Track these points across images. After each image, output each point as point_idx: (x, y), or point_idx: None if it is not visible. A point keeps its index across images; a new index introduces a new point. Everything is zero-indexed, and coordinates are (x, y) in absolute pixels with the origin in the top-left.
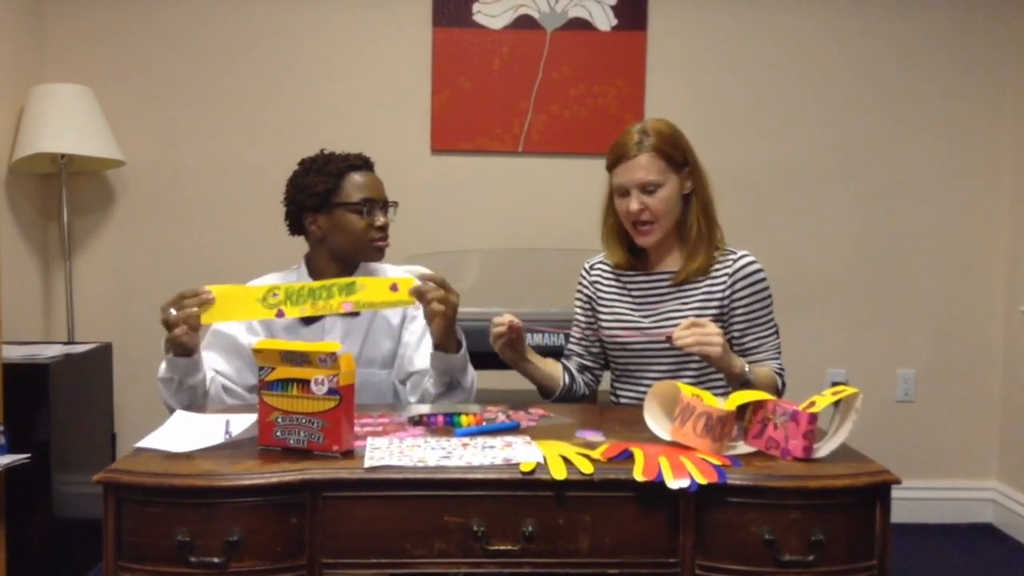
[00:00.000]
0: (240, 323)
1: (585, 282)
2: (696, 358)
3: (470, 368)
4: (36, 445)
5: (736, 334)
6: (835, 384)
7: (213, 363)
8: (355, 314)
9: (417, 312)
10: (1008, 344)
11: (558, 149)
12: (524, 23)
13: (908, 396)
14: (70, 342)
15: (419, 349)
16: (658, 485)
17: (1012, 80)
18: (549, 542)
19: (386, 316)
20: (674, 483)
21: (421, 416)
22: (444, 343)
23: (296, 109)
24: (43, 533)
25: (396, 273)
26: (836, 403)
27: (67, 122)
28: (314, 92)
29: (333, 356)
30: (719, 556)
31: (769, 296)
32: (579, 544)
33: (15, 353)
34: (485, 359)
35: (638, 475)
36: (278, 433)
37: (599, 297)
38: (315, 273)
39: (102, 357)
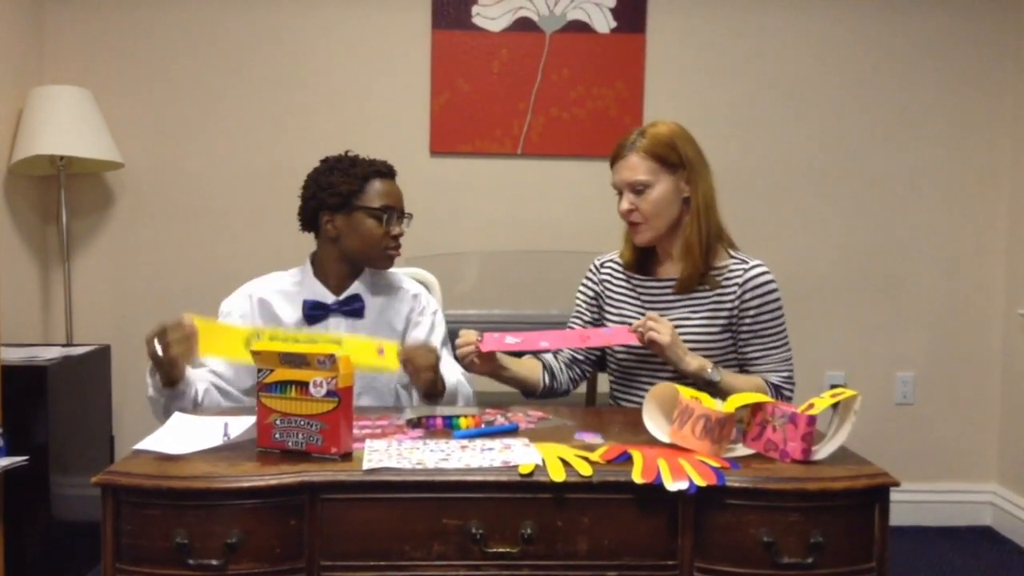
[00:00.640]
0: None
1: (593, 279)
2: None
3: (460, 390)
4: (34, 447)
5: (741, 344)
6: (834, 386)
7: (212, 364)
8: (359, 317)
9: (421, 318)
10: (1007, 347)
11: (557, 151)
12: (523, 25)
13: (907, 399)
14: (68, 344)
15: None
16: (657, 487)
17: (1012, 82)
18: (548, 544)
19: (389, 320)
20: (673, 485)
21: (420, 418)
22: (430, 391)
23: (295, 111)
24: (41, 535)
25: (403, 279)
26: (835, 405)
27: (66, 124)
28: (313, 94)
29: (332, 358)
30: (718, 558)
31: (779, 308)
32: (578, 546)
33: (13, 355)
34: None
35: (637, 477)
36: (277, 435)
37: (607, 296)
38: (321, 273)
39: (100, 359)
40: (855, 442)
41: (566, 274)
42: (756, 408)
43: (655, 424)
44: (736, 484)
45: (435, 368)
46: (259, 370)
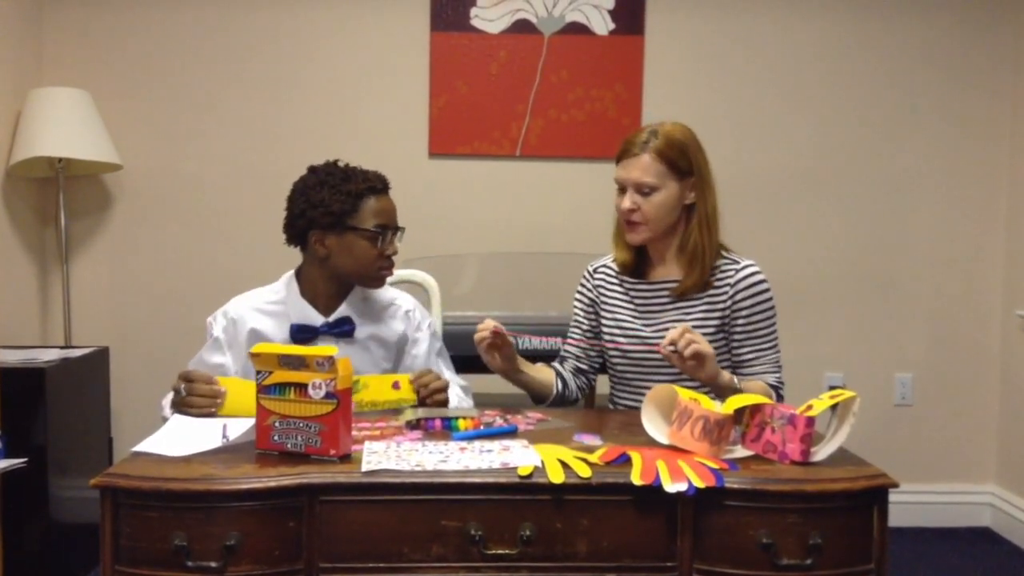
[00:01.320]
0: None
1: (588, 285)
2: None
3: (462, 404)
4: (33, 449)
5: (734, 345)
6: (832, 388)
7: (220, 360)
8: (349, 338)
9: (418, 334)
10: (1005, 348)
11: (556, 153)
12: (522, 27)
13: (906, 400)
14: (67, 346)
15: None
16: (656, 489)
17: (1010, 83)
18: (547, 546)
19: (382, 338)
20: (672, 487)
21: (419, 420)
22: None
23: (294, 113)
24: (40, 537)
25: (395, 294)
26: (834, 407)
27: (64, 126)
28: (312, 96)
29: (331, 360)
30: (716, 560)
31: (771, 308)
32: (577, 548)
33: (12, 357)
34: (482, 363)
35: (636, 479)
36: (275, 437)
37: (603, 301)
38: (308, 292)
39: (99, 361)
40: (854, 443)
41: (565, 276)
42: (755, 410)
43: (654, 426)
44: (735, 485)
45: (446, 390)
46: (258, 372)
